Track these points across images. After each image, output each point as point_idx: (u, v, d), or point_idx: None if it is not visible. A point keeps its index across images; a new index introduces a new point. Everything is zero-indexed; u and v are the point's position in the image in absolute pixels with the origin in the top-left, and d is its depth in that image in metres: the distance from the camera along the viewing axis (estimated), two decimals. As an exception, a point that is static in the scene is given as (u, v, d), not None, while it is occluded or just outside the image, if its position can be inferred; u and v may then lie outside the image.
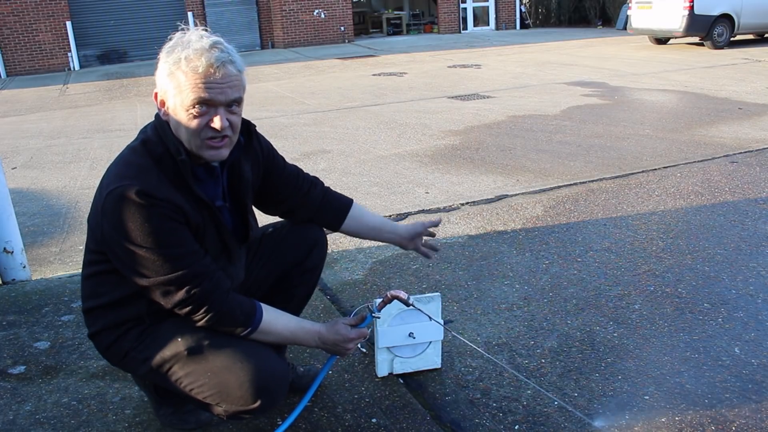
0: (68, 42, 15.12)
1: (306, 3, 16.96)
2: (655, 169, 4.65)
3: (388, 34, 19.52)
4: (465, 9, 19.30)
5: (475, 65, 11.63)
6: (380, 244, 3.46)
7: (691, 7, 11.93)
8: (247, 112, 1.79)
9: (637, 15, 13.09)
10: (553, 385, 2.15)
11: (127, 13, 15.70)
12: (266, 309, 1.73)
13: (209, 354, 1.66)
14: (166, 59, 1.58)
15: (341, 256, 3.34)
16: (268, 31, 17.31)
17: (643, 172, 4.61)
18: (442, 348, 2.25)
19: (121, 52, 15.83)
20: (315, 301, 2.76)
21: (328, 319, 2.66)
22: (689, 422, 1.94)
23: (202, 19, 16.18)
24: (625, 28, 15.20)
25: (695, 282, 2.86)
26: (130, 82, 12.03)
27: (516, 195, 4.23)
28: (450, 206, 4.07)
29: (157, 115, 1.67)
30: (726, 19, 12.23)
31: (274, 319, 1.74)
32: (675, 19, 12.17)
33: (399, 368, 2.21)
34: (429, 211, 3.99)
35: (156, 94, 1.64)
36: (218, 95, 1.56)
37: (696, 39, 12.78)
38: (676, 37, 12.88)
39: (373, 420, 2.01)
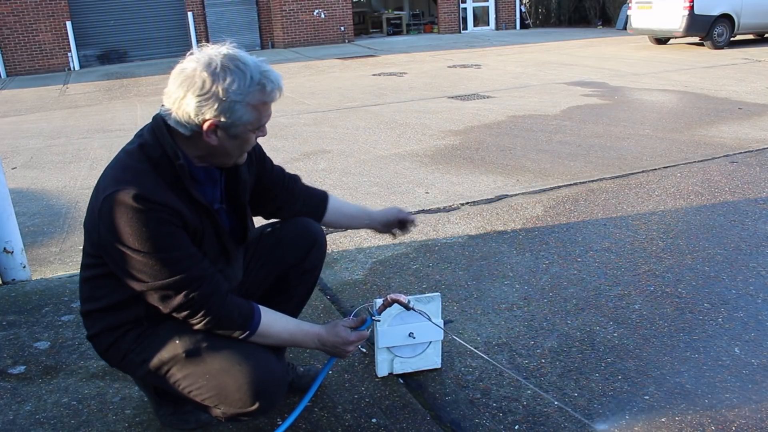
0: (68, 42, 15.12)
1: (306, 3, 16.96)
2: (655, 169, 4.65)
3: (388, 34, 19.52)
4: (465, 9, 19.30)
5: (475, 65, 11.63)
6: (380, 244, 3.47)
7: (691, 7, 11.93)
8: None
9: (637, 15, 13.09)
10: (553, 385, 2.15)
11: (127, 13, 15.70)
12: (265, 311, 1.73)
13: (207, 356, 1.66)
14: (228, 86, 1.52)
15: (341, 256, 3.34)
16: (268, 31, 17.30)
17: (643, 172, 4.61)
18: (442, 348, 2.26)
19: (121, 52, 15.83)
20: (315, 301, 2.76)
21: (328, 319, 2.66)
22: (689, 422, 1.94)
23: (202, 19, 16.19)
24: (625, 28, 15.20)
25: (695, 282, 2.86)
26: (130, 82, 12.03)
27: (516, 195, 4.23)
28: (450, 206, 4.07)
29: (156, 117, 1.65)
30: (726, 19, 12.23)
31: (273, 322, 1.74)
32: (675, 19, 12.18)
33: (399, 368, 2.21)
34: (429, 211, 3.99)
35: (213, 123, 1.55)
36: (268, 118, 1.66)
37: (696, 39, 12.78)
38: (676, 37, 12.88)
39: (373, 420, 2.01)
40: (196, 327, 1.66)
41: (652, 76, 9.40)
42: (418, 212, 3.99)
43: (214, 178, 1.74)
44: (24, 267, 3.22)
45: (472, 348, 2.24)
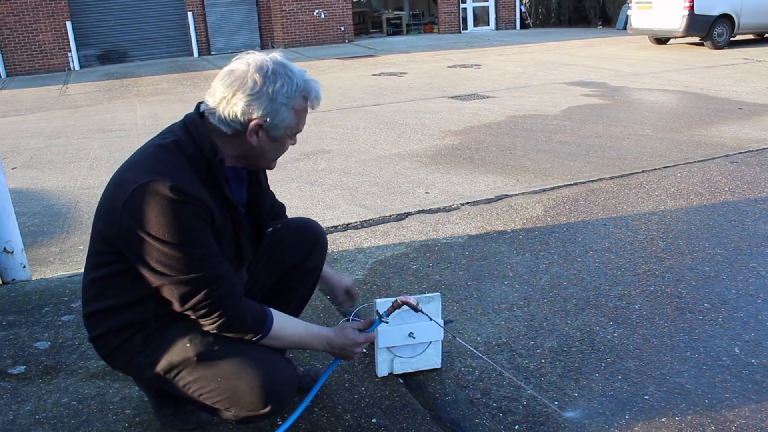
0: (68, 42, 15.12)
1: (306, 3, 16.96)
2: (655, 169, 4.65)
3: (388, 34, 19.52)
4: (465, 9, 19.30)
5: (475, 65, 11.63)
6: (380, 244, 3.48)
7: (691, 7, 11.93)
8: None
9: (637, 15, 13.09)
10: (553, 385, 2.15)
11: (127, 13, 15.69)
12: (276, 315, 1.73)
13: (219, 359, 1.65)
14: (278, 89, 1.60)
15: (341, 256, 3.34)
16: (268, 31, 17.30)
17: (643, 172, 4.61)
18: (442, 348, 2.26)
19: (121, 52, 15.83)
20: (315, 302, 2.76)
21: (328, 319, 2.67)
22: (689, 422, 1.94)
23: (202, 19, 16.19)
24: (625, 28, 15.21)
25: (695, 282, 2.86)
26: (130, 82, 12.03)
27: (516, 195, 4.23)
28: (450, 206, 4.07)
29: (189, 116, 1.67)
30: (726, 19, 12.23)
31: (284, 325, 1.75)
32: (675, 19, 12.18)
33: (399, 368, 2.21)
34: (429, 211, 3.99)
35: (259, 123, 1.61)
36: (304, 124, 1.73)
37: (696, 39, 12.78)
38: (676, 37, 12.88)
39: (373, 420, 2.01)
40: (208, 328, 1.65)
41: (652, 76, 9.40)
42: (418, 212, 3.99)
43: (242, 179, 1.77)
44: (24, 267, 3.22)
45: (471, 348, 2.24)
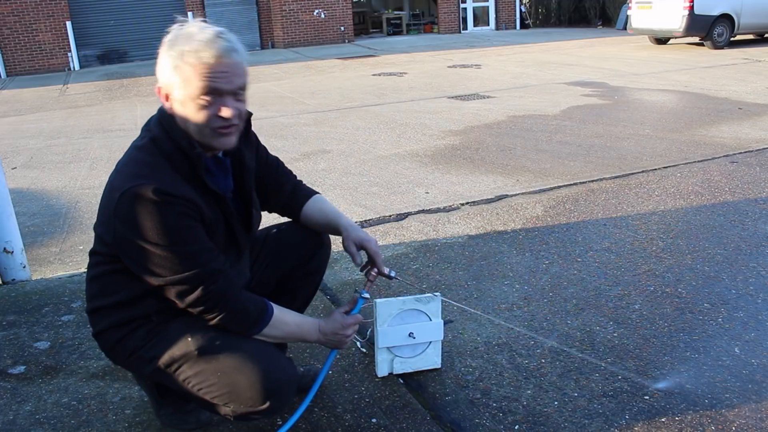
0: (68, 42, 15.12)
1: (306, 3, 16.96)
2: (655, 169, 4.65)
3: (388, 34, 19.52)
4: (465, 9, 19.30)
5: (475, 65, 11.63)
6: (380, 244, 3.46)
7: (691, 7, 11.94)
8: (251, 111, 1.80)
9: (637, 15, 13.09)
10: (553, 385, 2.15)
11: (127, 13, 15.69)
12: (276, 307, 1.75)
13: (220, 354, 1.66)
14: (168, 52, 1.58)
15: (341, 256, 3.34)
16: (268, 31, 17.31)
17: (643, 172, 4.61)
18: (442, 348, 2.25)
19: (121, 52, 15.83)
20: (315, 301, 2.76)
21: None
22: (689, 422, 1.94)
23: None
24: (625, 28, 15.21)
25: (695, 282, 2.86)
26: (130, 82, 12.03)
27: (516, 195, 4.23)
28: (450, 206, 4.07)
29: (161, 111, 1.67)
30: (726, 19, 12.23)
31: (282, 315, 1.75)
32: (675, 19, 12.18)
33: (399, 368, 2.21)
34: (429, 211, 3.99)
35: (159, 89, 1.63)
36: (225, 84, 1.57)
37: (696, 39, 12.78)
38: (676, 37, 12.88)
39: (373, 420, 2.01)
40: (212, 323, 1.66)
41: (652, 76, 9.40)
42: (418, 212, 3.99)
43: (225, 167, 1.76)
44: (24, 267, 3.22)
45: (484, 315, 2.24)
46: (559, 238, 3.44)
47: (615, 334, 2.45)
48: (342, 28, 17.57)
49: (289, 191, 2.03)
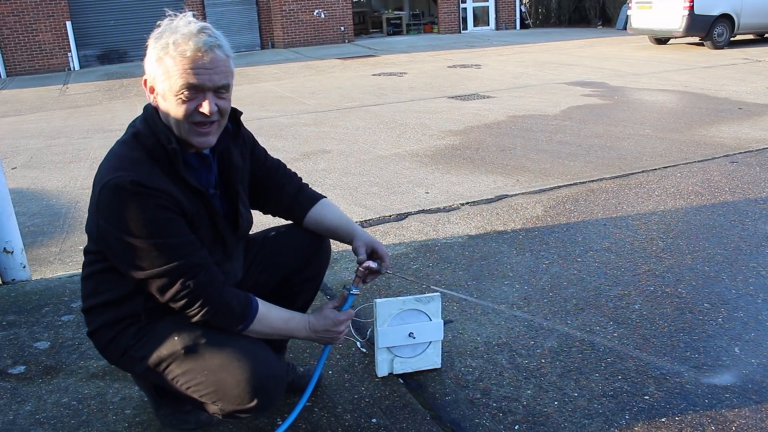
0: (68, 42, 15.12)
1: (306, 3, 16.96)
2: (655, 169, 4.65)
3: (388, 34, 19.52)
4: (465, 9, 19.30)
5: (475, 65, 11.63)
6: (380, 244, 3.47)
7: (691, 7, 11.94)
8: (248, 112, 1.80)
9: (637, 15, 13.09)
10: (553, 385, 2.15)
11: (127, 13, 15.69)
12: (261, 302, 1.73)
13: (206, 352, 1.65)
14: (154, 45, 1.59)
15: (341, 256, 3.34)
16: (268, 31, 17.31)
17: (643, 172, 4.61)
18: (442, 348, 2.25)
19: (121, 52, 15.83)
20: (315, 301, 2.75)
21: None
22: (689, 422, 1.94)
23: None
24: (625, 28, 15.21)
25: (695, 282, 2.86)
26: (130, 82, 12.03)
27: (516, 195, 4.23)
28: (450, 206, 4.07)
29: (147, 107, 1.68)
30: (726, 19, 12.23)
31: (268, 311, 1.74)
32: (675, 19, 12.18)
33: (399, 368, 2.21)
34: (429, 211, 3.99)
35: (145, 81, 1.64)
36: (206, 80, 1.57)
37: (696, 39, 12.78)
38: (676, 37, 12.88)
39: (373, 420, 2.01)
40: (195, 319, 1.64)
41: (652, 76, 9.40)
42: (418, 212, 3.99)
43: (208, 163, 1.74)
44: (24, 267, 3.22)
45: (458, 295, 2.24)
46: (559, 238, 3.44)
47: (615, 334, 2.45)
48: (342, 28, 17.57)
49: (292, 194, 2.00)
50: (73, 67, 15.20)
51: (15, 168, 5.80)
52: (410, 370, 2.22)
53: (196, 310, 1.63)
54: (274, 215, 2.05)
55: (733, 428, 1.91)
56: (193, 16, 1.65)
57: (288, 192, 2.00)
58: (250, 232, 1.98)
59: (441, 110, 7.46)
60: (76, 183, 5.19)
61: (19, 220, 3.35)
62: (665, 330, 2.47)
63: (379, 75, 10.98)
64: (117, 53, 15.80)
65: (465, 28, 19.37)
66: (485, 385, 2.17)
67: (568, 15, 20.21)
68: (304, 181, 2.09)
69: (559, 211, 3.86)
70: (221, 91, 1.61)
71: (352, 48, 16.16)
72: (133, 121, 1.71)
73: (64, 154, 6.28)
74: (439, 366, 2.25)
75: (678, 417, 1.97)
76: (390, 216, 3.96)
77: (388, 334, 2.14)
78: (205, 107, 1.57)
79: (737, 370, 2.19)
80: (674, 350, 2.33)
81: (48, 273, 3.36)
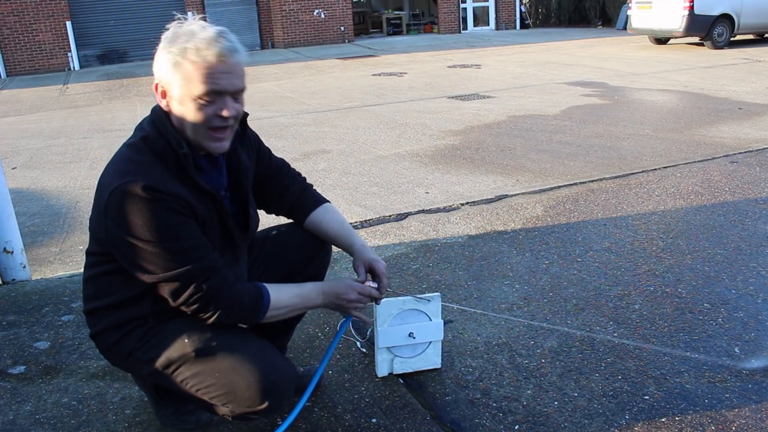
0: (68, 42, 15.11)
1: (306, 3, 16.96)
2: (655, 169, 4.65)
3: (388, 34, 19.52)
4: (465, 9, 19.31)
5: (475, 65, 11.63)
6: (380, 244, 3.47)
7: (691, 7, 11.94)
8: (248, 112, 1.80)
9: (637, 15, 13.09)
10: (553, 385, 2.15)
11: (127, 13, 15.69)
12: (270, 287, 1.73)
13: (217, 355, 1.66)
14: (169, 49, 1.57)
15: (341, 256, 3.34)
16: (268, 31, 17.30)
17: (643, 172, 4.61)
18: (442, 348, 2.25)
19: (121, 52, 15.83)
20: (315, 301, 2.76)
21: (328, 318, 2.67)
22: (689, 422, 1.94)
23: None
24: (625, 28, 15.21)
25: (695, 282, 2.86)
26: (130, 82, 12.03)
27: (516, 195, 4.23)
28: (450, 206, 4.07)
29: (155, 109, 1.66)
30: (726, 19, 12.23)
31: (279, 296, 1.73)
32: (675, 19, 12.18)
33: (399, 368, 2.21)
34: (429, 211, 3.99)
35: (156, 85, 1.62)
36: (228, 85, 1.57)
37: (696, 39, 12.78)
38: (676, 37, 12.89)
39: (373, 420, 2.01)
40: (209, 321, 1.65)
41: (652, 76, 9.40)
42: (418, 212, 3.99)
43: (219, 165, 1.75)
44: (24, 267, 3.22)
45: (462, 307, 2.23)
46: (559, 238, 3.44)
47: (615, 334, 2.45)
48: (342, 28, 17.57)
49: (296, 194, 2.01)
50: (73, 67, 15.20)
51: (15, 168, 5.80)
52: (410, 370, 2.22)
53: (209, 314, 1.64)
54: (277, 215, 2.06)
55: (733, 428, 1.91)
56: (195, 16, 1.65)
57: (292, 192, 2.01)
58: None
59: (441, 110, 7.46)
60: (76, 183, 5.19)
61: (19, 220, 3.35)
62: (665, 330, 2.47)
63: (379, 75, 10.98)
64: (117, 53, 15.80)
65: (465, 28, 19.37)
66: (485, 385, 2.17)
67: (568, 15, 20.21)
68: (310, 183, 2.09)
69: (559, 211, 3.86)
70: (238, 94, 1.62)
71: (352, 48, 16.17)
72: (140, 124, 1.69)
73: (64, 154, 6.28)
74: (439, 366, 2.25)
75: (678, 417, 1.97)
76: (390, 216, 3.96)
77: (388, 334, 2.14)
78: (226, 111, 1.58)
79: (737, 371, 2.19)
80: (674, 350, 2.33)
81: (48, 273, 3.36)
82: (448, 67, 11.60)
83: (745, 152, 4.99)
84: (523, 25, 19.96)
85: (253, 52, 16.58)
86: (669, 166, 4.71)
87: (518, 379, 2.19)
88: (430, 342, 2.21)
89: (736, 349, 2.32)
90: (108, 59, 15.69)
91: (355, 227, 3.79)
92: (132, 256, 1.58)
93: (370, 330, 2.41)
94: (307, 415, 2.04)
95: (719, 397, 2.05)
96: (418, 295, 2.15)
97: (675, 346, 2.36)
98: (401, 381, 2.21)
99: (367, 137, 6.25)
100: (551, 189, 4.31)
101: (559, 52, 13.00)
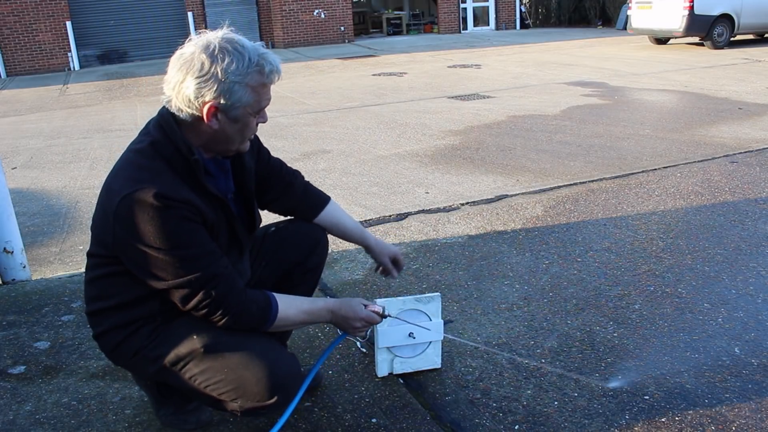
0: (68, 42, 15.11)
1: (306, 3, 16.96)
2: (655, 169, 4.65)
3: (388, 34, 19.52)
4: (465, 9, 19.30)
5: (475, 65, 11.63)
6: (380, 244, 3.47)
7: (691, 7, 11.94)
8: (247, 112, 1.81)
9: (637, 15, 13.09)
10: (553, 385, 2.15)
11: (127, 13, 15.69)
12: (279, 298, 1.74)
13: (226, 351, 1.67)
14: (226, 69, 1.53)
15: (341, 256, 3.34)
16: (268, 31, 17.30)
17: (643, 172, 4.61)
18: (442, 348, 2.25)
19: (121, 52, 15.83)
20: (315, 296, 2.76)
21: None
22: (689, 422, 1.94)
23: (202, 19, 16.19)
24: (625, 28, 15.21)
25: (695, 282, 2.86)
26: (130, 82, 12.03)
27: (516, 195, 4.23)
28: (450, 206, 4.07)
29: (162, 113, 1.65)
30: (726, 19, 12.23)
31: (288, 307, 1.74)
32: (675, 19, 12.18)
33: (399, 368, 2.21)
34: (429, 211, 3.99)
35: (212, 107, 1.56)
36: (269, 99, 1.68)
37: (696, 39, 12.78)
38: (676, 37, 12.88)
39: (373, 420, 2.01)
40: (217, 325, 1.66)
41: (652, 76, 9.40)
42: (418, 212, 3.99)
43: (225, 169, 1.76)
44: (24, 267, 3.22)
45: (462, 340, 2.24)
46: (559, 238, 3.44)
47: (615, 334, 2.45)
48: (342, 28, 17.57)
49: (300, 192, 2.06)
50: (73, 67, 15.20)
51: (15, 168, 5.80)
52: (410, 370, 2.22)
53: (217, 318, 1.64)
54: (279, 213, 2.09)
55: (733, 428, 1.91)
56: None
57: (296, 190, 2.05)
58: None
59: (441, 110, 7.46)
60: (76, 183, 5.19)
61: (19, 220, 3.35)
62: (665, 330, 2.47)
63: (379, 75, 10.98)
64: (117, 53, 15.80)
65: (465, 28, 19.37)
66: (485, 385, 2.17)
67: (568, 15, 20.20)
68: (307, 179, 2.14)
69: (559, 211, 3.86)
70: None
71: (352, 48, 16.17)
72: (146, 127, 1.68)
73: (64, 154, 6.28)
74: (439, 366, 2.25)
75: (678, 417, 1.97)
76: (390, 216, 3.96)
77: (388, 334, 2.14)
78: (264, 117, 1.69)
79: (737, 371, 2.19)
80: (674, 350, 2.33)
81: (48, 273, 3.36)
82: (448, 67, 11.60)
83: (745, 152, 4.99)
84: (523, 25, 19.96)
85: (253, 52, 16.55)
86: (669, 166, 4.71)
87: (518, 379, 2.19)
88: (430, 342, 2.21)
89: (736, 349, 2.32)
90: (108, 59, 15.69)
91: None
92: (141, 262, 1.58)
93: (370, 330, 2.41)
94: (307, 415, 2.04)
95: (719, 397, 2.05)
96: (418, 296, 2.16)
97: (675, 346, 2.36)
98: (401, 381, 2.21)
99: (367, 137, 6.26)
100: (551, 189, 4.31)
101: (559, 52, 13.00)
